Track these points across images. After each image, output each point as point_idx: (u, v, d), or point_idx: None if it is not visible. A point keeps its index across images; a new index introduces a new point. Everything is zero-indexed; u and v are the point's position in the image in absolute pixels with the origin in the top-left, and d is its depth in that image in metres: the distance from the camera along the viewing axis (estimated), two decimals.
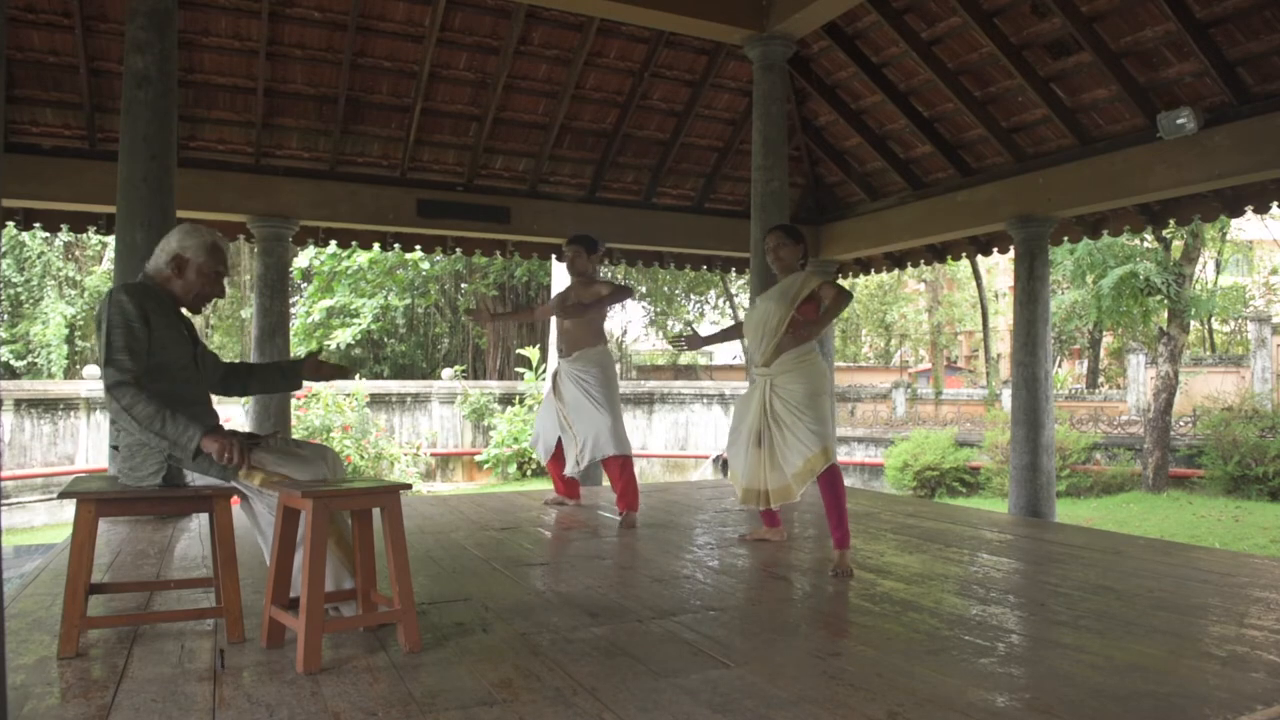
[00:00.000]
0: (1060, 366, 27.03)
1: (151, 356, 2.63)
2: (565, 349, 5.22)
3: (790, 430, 3.89)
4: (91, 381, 13.85)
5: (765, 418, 3.99)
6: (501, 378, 21.76)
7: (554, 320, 5.50)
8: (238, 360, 3.22)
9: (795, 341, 3.96)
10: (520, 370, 19.37)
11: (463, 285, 24.26)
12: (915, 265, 10.29)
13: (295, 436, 9.09)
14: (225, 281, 2.91)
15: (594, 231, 6.37)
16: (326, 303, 21.13)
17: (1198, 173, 6.12)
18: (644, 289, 25.22)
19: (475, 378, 21.40)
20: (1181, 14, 5.78)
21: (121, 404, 2.54)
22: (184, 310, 2.84)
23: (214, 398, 2.94)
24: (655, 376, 25.26)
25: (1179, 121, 6.00)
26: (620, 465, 5.01)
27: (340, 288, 21.15)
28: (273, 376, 3.19)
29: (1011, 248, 7.83)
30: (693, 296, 26.94)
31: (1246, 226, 19.76)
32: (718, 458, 17.84)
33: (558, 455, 5.44)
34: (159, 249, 2.78)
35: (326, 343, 21.30)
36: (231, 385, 3.07)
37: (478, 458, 16.83)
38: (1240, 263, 25.21)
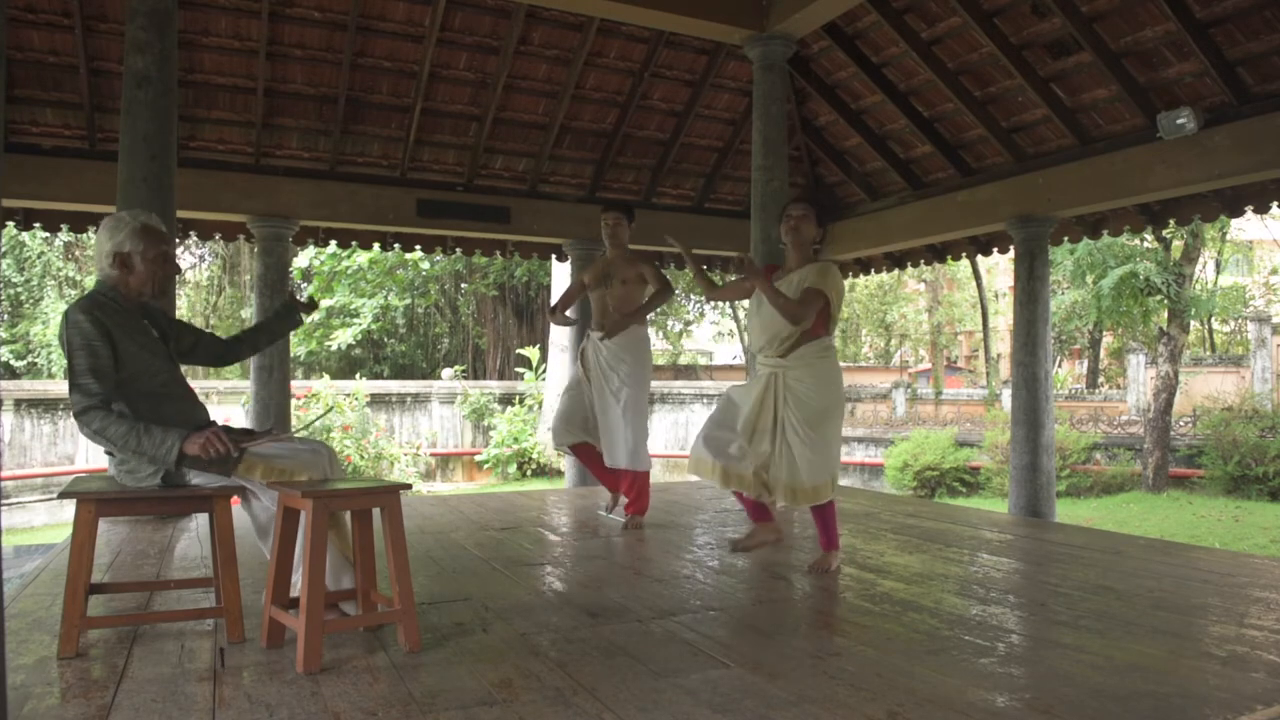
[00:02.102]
0: (1060, 366, 27.04)
1: (121, 370, 2.59)
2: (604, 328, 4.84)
3: (793, 450, 3.64)
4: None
5: (771, 414, 3.69)
6: (501, 378, 21.76)
7: (592, 297, 4.96)
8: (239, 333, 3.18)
9: (812, 336, 3.69)
10: (520, 370, 19.37)
11: (463, 285, 24.27)
12: (915, 265, 10.29)
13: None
14: (175, 257, 2.88)
15: (593, 232, 6.28)
16: (326, 303, 21.12)
17: (1198, 173, 6.12)
18: None
19: (475, 378, 21.40)
20: (1181, 14, 5.77)
21: (93, 428, 2.51)
22: (153, 305, 2.82)
23: (208, 392, 2.91)
24: (655, 376, 25.10)
25: (1179, 121, 6.00)
26: (634, 476, 4.83)
27: (340, 288, 21.15)
28: (274, 326, 3.16)
29: (1011, 248, 7.84)
30: (692, 296, 26.93)
31: (1246, 226, 19.75)
32: None
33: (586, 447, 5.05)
34: (97, 255, 2.71)
35: (327, 343, 21.31)
36: (240, 350, 3.07)
37: (478, 458, 16.83)
38: (1240, 263, 25.20)
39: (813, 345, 3.72)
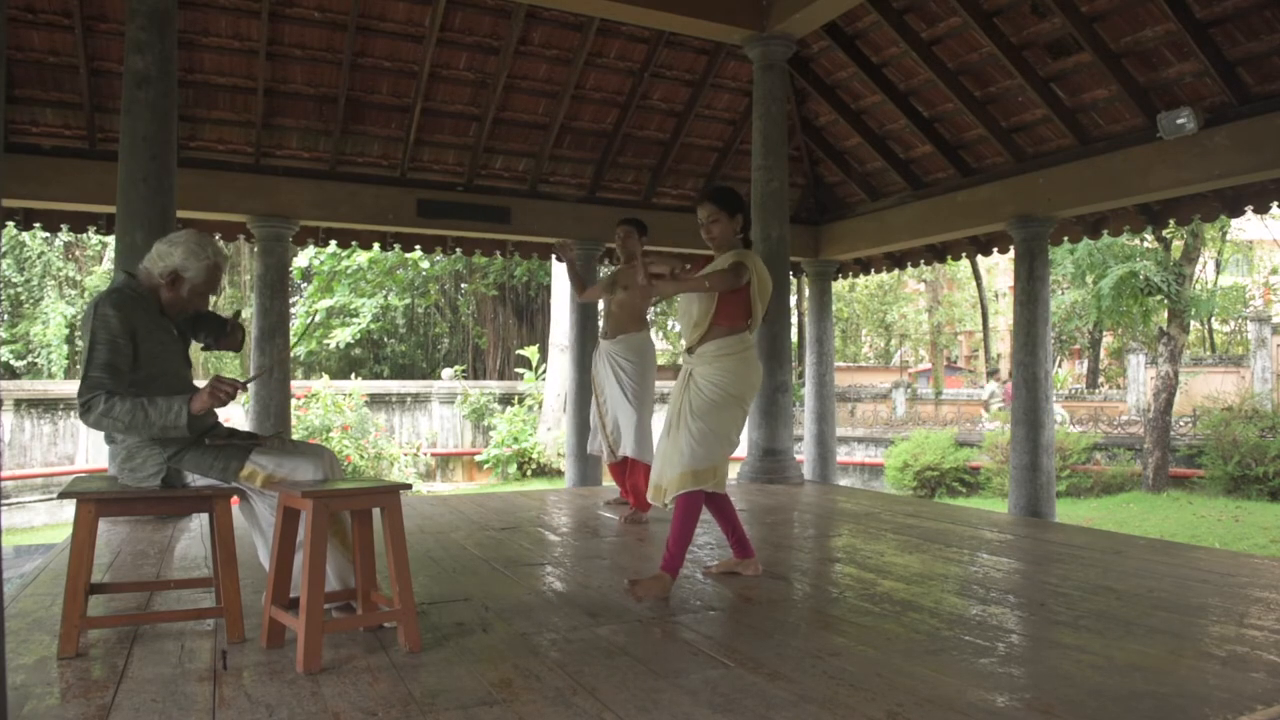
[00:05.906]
0: (1060, 366, 27.04)
1: (138, 371, 2.59)
2: (609, 331, 5.27)
3: (678, 433, 3.39)
4: None
5: (677, 408, 3.46)
6: (501, 378, 21.75)
7: (600, 302, 5.44)
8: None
9: (724, 331, 3.37)
10: (520, 370, 19.37)
11: (463, 285, 24.26)
12: (915, 265, 10.29)
13: (294, 437, 9.08)
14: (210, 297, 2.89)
15: (592, 232, 6.25)
16: (326, 303, 21.11)
17: (1198, 173, 6.13)
18: None
19: (475, 378, 21.40)
20: (1181, 14, 5.78)
21: (98, 412, 2.49)
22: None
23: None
24: (658, 376, 25.20)
25: (1179, 121, 6.00)
26: (637, 466, 5.09)
27: (340, 288, 21.14)
28: (218, 329, 3.05)
29: (1011, 248, 7.84)
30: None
31: (1246, 226, 19.76)
32: None
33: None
34: (158, 254, 2.71)
35: (326, 342, 21.29)
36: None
37: (478, 458, 16.83)
38: (1240, 263, 25.22)
39: (723, 339, 3.40)
